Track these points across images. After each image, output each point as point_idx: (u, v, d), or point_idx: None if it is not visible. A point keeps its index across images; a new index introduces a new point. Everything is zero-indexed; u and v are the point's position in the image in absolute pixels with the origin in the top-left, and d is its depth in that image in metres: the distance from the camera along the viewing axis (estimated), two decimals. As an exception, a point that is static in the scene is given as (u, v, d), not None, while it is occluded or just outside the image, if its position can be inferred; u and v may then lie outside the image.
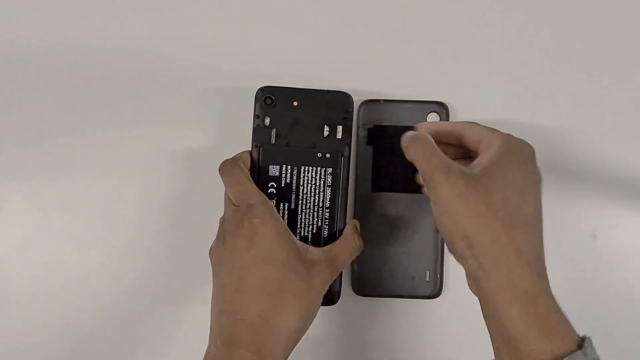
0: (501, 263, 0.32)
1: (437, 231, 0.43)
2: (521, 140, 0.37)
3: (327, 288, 0.37)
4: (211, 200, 0.42)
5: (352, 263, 0.42)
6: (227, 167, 0.39)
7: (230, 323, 0.35)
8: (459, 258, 0.35)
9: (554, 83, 0.46)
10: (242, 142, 0.41)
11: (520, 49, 0.46)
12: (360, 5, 0.45)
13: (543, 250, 0.34)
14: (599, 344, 0.45)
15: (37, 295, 0.45)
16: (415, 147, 0.35)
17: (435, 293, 0.44)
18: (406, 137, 0.36)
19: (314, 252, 0.38)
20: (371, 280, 0.43)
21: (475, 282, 0.34)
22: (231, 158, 0.40)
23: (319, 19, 0.46)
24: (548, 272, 0.46)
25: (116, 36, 0.45)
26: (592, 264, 0.46)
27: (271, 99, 0.40)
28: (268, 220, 0.36)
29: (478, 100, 0.45)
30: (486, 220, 0.33)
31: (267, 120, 0.41)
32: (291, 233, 0.37)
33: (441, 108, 0.42)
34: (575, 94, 0.46)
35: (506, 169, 0.34)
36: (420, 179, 0.40)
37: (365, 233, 0.41)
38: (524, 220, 0.33)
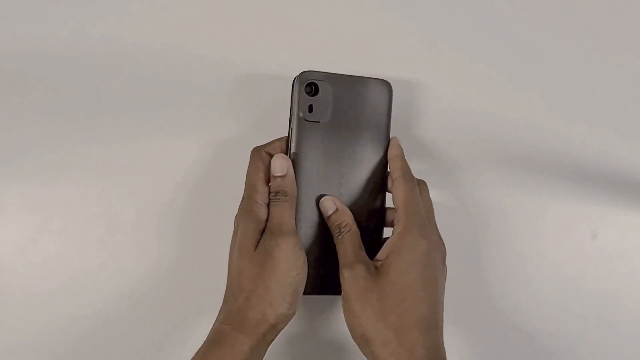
0: None
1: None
2: (420, 233, 0.37)
3: (284, 262, 0.37)
4: (215, 201, 0.42)
5: None
6: (251, 154, 0.40)
7: (221, 306, 0.39)
8: (361, 351, 0.37)
9: (551, 83, 0.46)
10: (256, 134, 0.42)
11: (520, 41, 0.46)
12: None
13: (440, 342, 0.37)
14: (599, 344, 0.46)
15: (37, 296, 0.45)
16: (338, 240, 0.39)
17: None
18: (333, 227, 0.39)
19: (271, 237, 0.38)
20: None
21: None
22: (260, 145, 0.40)
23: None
24: (549, 273, 0.46)
25: (133, 28, 0.45)
26: (592, 264, 0.46)
27: (314, 84, 0.40)
28: (245, 212, 0.39)
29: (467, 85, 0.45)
30: (379, 323, 0.36)
31: (310, 105, 0.40)
32: (264, 220, 0.38)
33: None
34: (574, 92, 0.46)
35: (399, 269, 0.37)
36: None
37: None
38: (417, 320, 0.36)
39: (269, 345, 0.38)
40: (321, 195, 0.40)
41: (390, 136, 0.41)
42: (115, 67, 0.45)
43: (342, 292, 0.37)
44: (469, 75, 0.46)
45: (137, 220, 0.45)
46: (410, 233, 0.37)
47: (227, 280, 0.39)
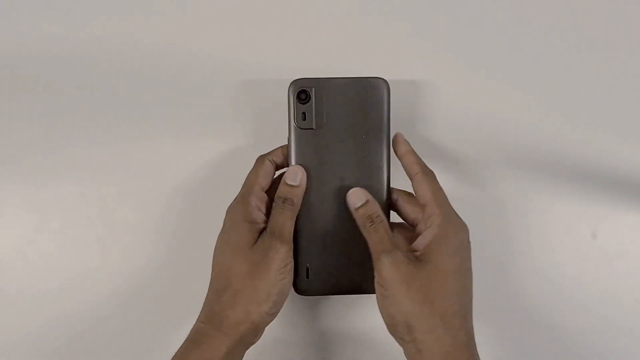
0: (437, 349, 0.35)
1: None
2: (458, 223, 0.38)
3: (276, 264, 0.37)
4: (213, 203, 0.42)
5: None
6: (255, 161, 0.41)
7: (203, 305, 0.39)
8: (399, 340, 0.37)
9: (551, 83, 0.46)
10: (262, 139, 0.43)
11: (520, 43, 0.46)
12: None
13: (473, 329, 0.37)
14: (599, 344, 0.46)
15: (36, 296, 0.45)
16: (371, 230, 0.38)
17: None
18: (363, 219, 0.38)
19: (271, 239, 0.38)
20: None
21: None
22: (264, 154, 0.41)
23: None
24: (549, 272, 0.46)
25: (133, 30, 0.45)
26: (592, 264, 0.46)
27: (306, 92, 0.40)
28: (237, 211, 0.39)
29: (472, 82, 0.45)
30: (425, 308, 0.35)
31: (305, 115, 0.40)
32: (258, 222, 0.38)
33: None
34: (575, 93, 0.46)
35: (443, 256, 0.37)
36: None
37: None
38: (459, 306, 0.36)
39: (247, 348, 0.38)
40: (322, 202, 0.40)
41: (392, 134, 0.41)
42: (114, 69, 0.45)
43: (380, 280, 0.37)
44: (471, 76, 0.46)
45: (136, 221, 0.45)
46: (450, 224, 0.38)
47: (212, 278, 0.39)
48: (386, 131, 0.40)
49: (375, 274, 0.37)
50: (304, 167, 0.40)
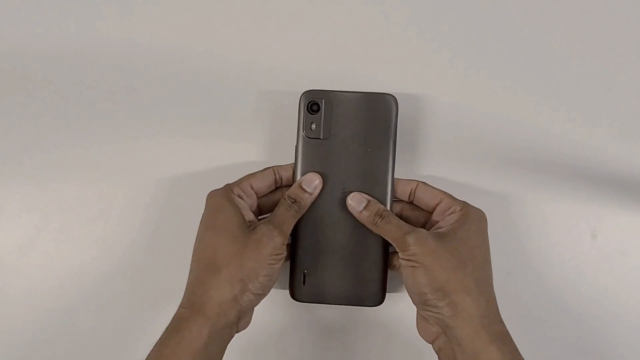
0: (474, 310, 0.36)
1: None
2: (477, 209, 0.40)
3: (269, 249, 0.37)
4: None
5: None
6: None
7: (184, 292, 0.39)
8: (431, 308, 0.37)
9: (551, 84, 0.46)
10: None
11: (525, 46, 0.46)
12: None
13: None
14: (599, 344, 0.46)
15: (36, 295, 0.45)
16: (384, 223, 0.39)
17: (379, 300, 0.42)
18: (372, 218, 0.39)
19: (259, 222, 0.39)
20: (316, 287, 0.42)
21: (446, 330, 0.37)
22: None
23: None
24: (549, 272, 0.46)
25: (134, 29, 0.45)
26: (592, 264, 0.46)
27: (316, 103, 0.41)
28: (218, 195, 0.39)
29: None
30: (458, 272, 0.37)
31: (314, 125, 0.41)
32: (241, 207, 0.39)
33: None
34: (574, 93, 0.46)
35: (468, 233, 0.39)
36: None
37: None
38: (487, 276, 0.39)
39: (231, 335, 0.38)
40: (323, 210, 0.41)
41: (397, 147, 0.41)
42: (117, 70, 0.45)
43: (408, 257, 0.38)
44: (472, 77, 0.46)
45: (136, 221, 0.45)
46: (471, 210, 0.40)
47: (194, 263, 0.39)
48: (392, 146, 0.41)
49: (401, 255, 0.38)
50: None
